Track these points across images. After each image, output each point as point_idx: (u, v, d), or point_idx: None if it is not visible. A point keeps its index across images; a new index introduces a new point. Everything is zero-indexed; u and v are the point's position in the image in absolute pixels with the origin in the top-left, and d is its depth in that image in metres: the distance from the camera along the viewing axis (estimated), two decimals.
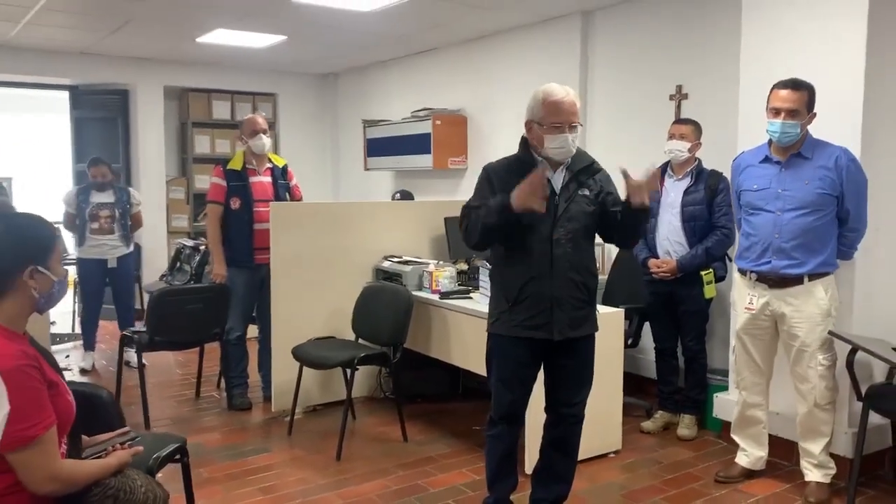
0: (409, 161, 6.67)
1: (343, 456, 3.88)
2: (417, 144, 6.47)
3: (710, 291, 4.06)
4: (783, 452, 3.72)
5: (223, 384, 4.99)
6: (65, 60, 7.01)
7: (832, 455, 3.44)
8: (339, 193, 8.40)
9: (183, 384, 5.29)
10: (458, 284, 4.46)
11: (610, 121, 5.26)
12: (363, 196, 7.69)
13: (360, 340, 4.36)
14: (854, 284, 3.51)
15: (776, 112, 3.26)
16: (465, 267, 4.72)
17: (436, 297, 4.29)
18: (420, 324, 4.28)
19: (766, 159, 3.39)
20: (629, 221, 2.76)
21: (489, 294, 3.95)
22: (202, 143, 7.93)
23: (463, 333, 4.06)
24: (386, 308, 4.21)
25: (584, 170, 2.82)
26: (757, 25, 3.85)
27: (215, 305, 4.45)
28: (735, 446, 3.77)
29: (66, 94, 7.72)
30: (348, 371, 3.99)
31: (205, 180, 7.91)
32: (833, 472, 3.41)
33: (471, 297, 4.21)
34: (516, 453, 3.01)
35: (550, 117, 2.69)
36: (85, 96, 7.76)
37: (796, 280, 3.30)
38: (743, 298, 3.48)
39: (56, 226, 2.06)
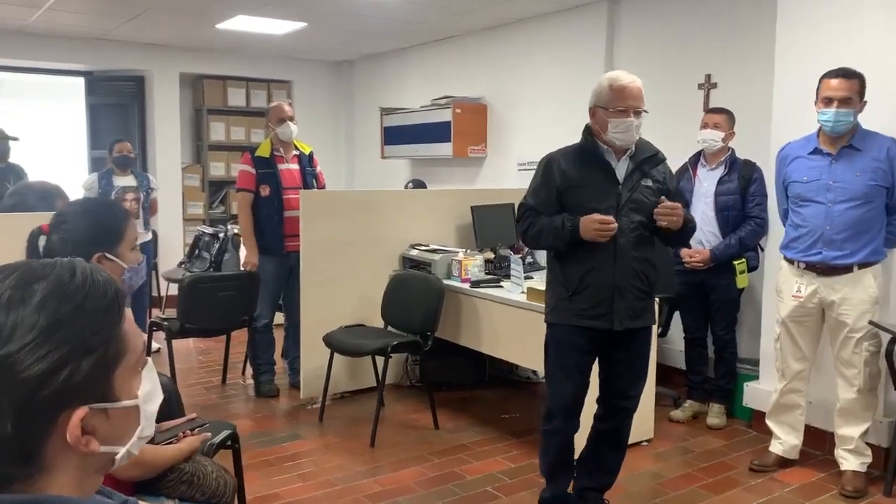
0: (428, 149, 6.66)
1: (377, 443, 3.90)
2: (437, 133, 6.46)
3: (742, 281, 4.07)
4: (815, 442, 3.74)
5: (248, 371, 5.01)
6: (80, 47, 6.97)
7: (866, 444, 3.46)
8: (353, 182, 8.39)
9: (208, 371, 5.29)
10: (486, 273, 4.46)
11: None
12: (379, 184, 7.68)
13: (390, 328, 4.37)
14: (892, 274, 3.53)
15: (828, 101, 3.25)
16: (491, 256, 4.74)
17: (465, 285, 4.29)
18: (449, 312, 4.28)
19: (816, 151, 3.38)
20: (660, 236, 2.85)
21: (527, 283, 4.02)
22: (217, 131, 7.90)
23: (494, 322, 4.07)
24: (416, 296, 4.22)
25: (648, 160, 2.82)
26: (793, 14, 3.84)
27: (246, 293, 4.46)
28: (767, 435, 3.79)
29: (81, 81, 7.68)
30: (380, 359, 4.01)
31: (220, 167, 7.95)
32: (869, 460, 3.44)
33: (501, 286, 4.22)
34: (573, 445, 2.99)
35: (616, 102, 2.72)
36: (100, 83, 7.72)
37: (846, 269, 3.32)
38: (791, 286, 3.49)
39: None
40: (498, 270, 4.57)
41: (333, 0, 5.39)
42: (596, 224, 2.68)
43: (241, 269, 4.65)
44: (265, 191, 4.57)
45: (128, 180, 5.56)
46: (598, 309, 2.75)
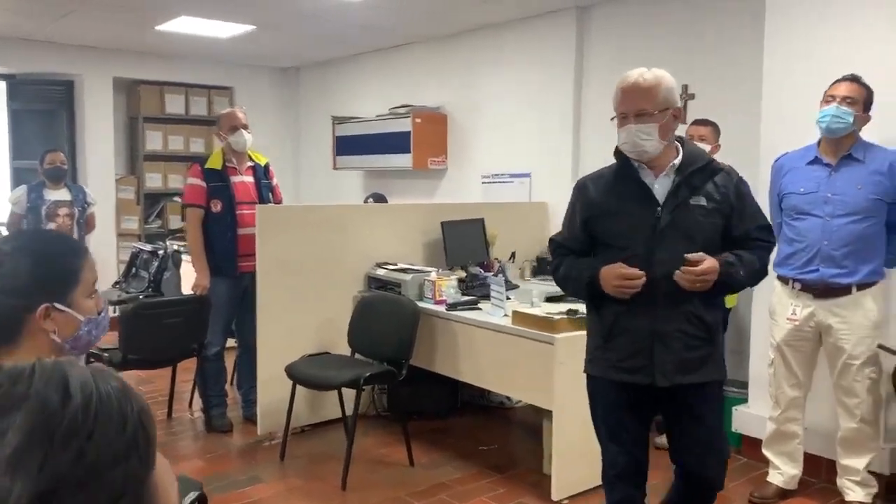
0: (385, 161, 6.32)
1: (348, 485, 3.54)
2: (395, 143, 6.14)
3: (731, 301, 3.88)
4: (811, 469, 3.57)
5: (196, 402, 4.58)
6: (3, 47, 6.38)
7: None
8: (300, 194, 7.96)
9: (151, 403, 4.77)
10: (462, 294, 4.16)
11: (608, 123, 4.99)
12: (331, 198, 7.29)
13: (358, 356, 4.02)
14: (892, 296, 3.38)
15: (830, 99, 3.10)
16: (463, 275, 4.44)
17: (440, 308, 3.98)
18: (422, 337, 3.95)
19: (816, 160, 3.21)
20: None
21: (502, 305, 3.73)
22: (154, 140, 7.38)
23: (475, 348, 3.77)
24: (388, 320, 3.88)
25: (698, 171, 2.29)
26: (782, 24, 3.69)
27: (195, 319, 4.05)
28: (759, 462, 3.61)
29: (2, 85, 7.05)
30: (345, 391, 3.66)
31: (157, 179, 7.44)
32: (875, 490, 3.27)
33: (479, 308, 3.92)
34: None
35: (616, 108, 2.33)
36: (24, 87, 7.09)
37: (844, 290, 3.14)
38: (785, 308, 3.30)
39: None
40: (471, 290, 4.27)
41: (289, 2, 5.03)
42: (616, 279, 2.23)
43: (191, 291, 4.21)
44: (217, 206, 4.16)
45: (61, 194, 5.05)
46: (636, 360, 2.27)
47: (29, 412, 0.47)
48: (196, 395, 4.57)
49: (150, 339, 3.89)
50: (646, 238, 2.28)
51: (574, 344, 3.32)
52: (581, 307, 3.45)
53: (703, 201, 2.28)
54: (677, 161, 2.32)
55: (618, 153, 2.40)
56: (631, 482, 2.43)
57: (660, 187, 2.33)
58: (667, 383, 2.27)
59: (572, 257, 2.46)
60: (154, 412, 2.26)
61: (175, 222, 7.28)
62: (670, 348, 2.26)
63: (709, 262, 2.20)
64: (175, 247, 6.33)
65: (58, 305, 1.34)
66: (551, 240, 2.57)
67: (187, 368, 4.57)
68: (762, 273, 2.38)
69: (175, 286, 5.97)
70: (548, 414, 3.47)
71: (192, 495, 2.19)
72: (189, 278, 5.75)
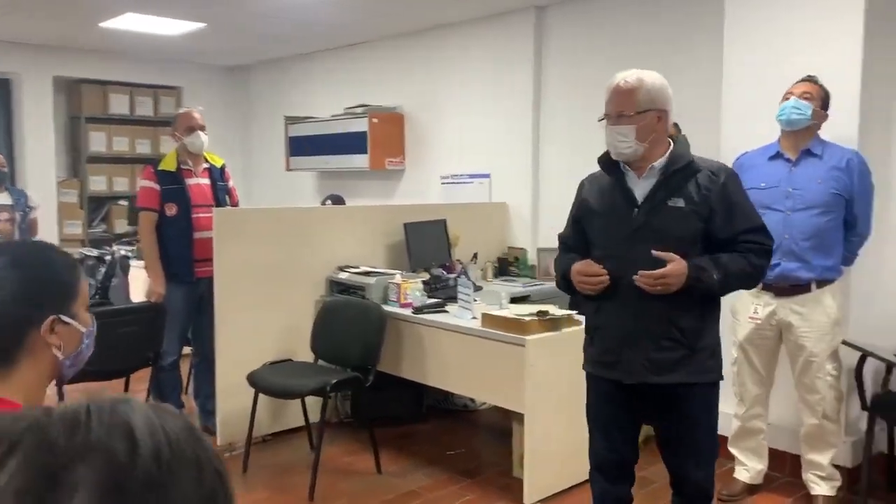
0: (341, 161, 6.21)
1: (315, 496, 3.44)
2: (351, 143, 6.03)
3: None
4: (776, 464, 3.62)
5: None
6: None
7: None
8: (252, 196, 7.77)
9: None
10: (427, 296, 4.10)
11: (567, 123, 5.04)
12: (284, 200, 7.14)
13: (321, 362, 3.92)
14: (850, 294, 3.44)
15: (788, 96, 3.18)
16: (426, 277, 4.38)
17: (406, 311, 3.91)
18: (388, 341, 3.87)
19: (777, 155, 3.26)
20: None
21: (470, 307, 3.69)
22: (97, 141, 7.11)
23: (444, 352, 3.71)
24: (354, 326, 3.79)
25: (678, 172, 2.28)
26: (741, 22, 3.74)
27: (151, 327, 3.89)
28: (726, 459, 3.64)
29: None
30: (309, 398, 3.56)
31: (101, 181, 7.17)
32: (839, 483, 3.33)
33: (446, 311, 3.87)
34: None
35: (604, 109, 2.33)
36: None
37: (804, 288, 3.19)
38: (747, 307, 3.34)
39: None
40: (435, 293, 4.21)
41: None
42: (577, 275, 2.33)
43: (144, 299, 4.05)
44: (171, 209, 4.01)
45: (1, 198, 4.80)
46: (609, 356, 2.33)
47: (94, 467, 0.39)
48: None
49: (103, 350, 3.66)
50: (623, 238, 2.30)
51: (545, 345, 3.31)
52: (551, 308, 3.44)
53: (680, 203, 2.27)
54: (658, 163, 2.32)
55: (607, 153, 2.40)
56: (610, 476, 2.44)
57: (641, 188, 2.34)
58: (633, 381, 2.29)
59: (568, 253, 2.49)
60: None
61: (121, 226, 7.03)
62: (638, 347, 2.28)
63: (673, 266, 2.20)
64: (122, 252, 6.11)
65: (64, 318, 1.25)
66: (558, 235, 2.63)
67: (140, 378, 4.40)
68: (755, 276, 2.34)
69: (124, 293, 5.75)
70: (518, 417, 3.44)
71: None
72: (137, 285, 5.56)
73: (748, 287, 2.48)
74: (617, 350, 2.31)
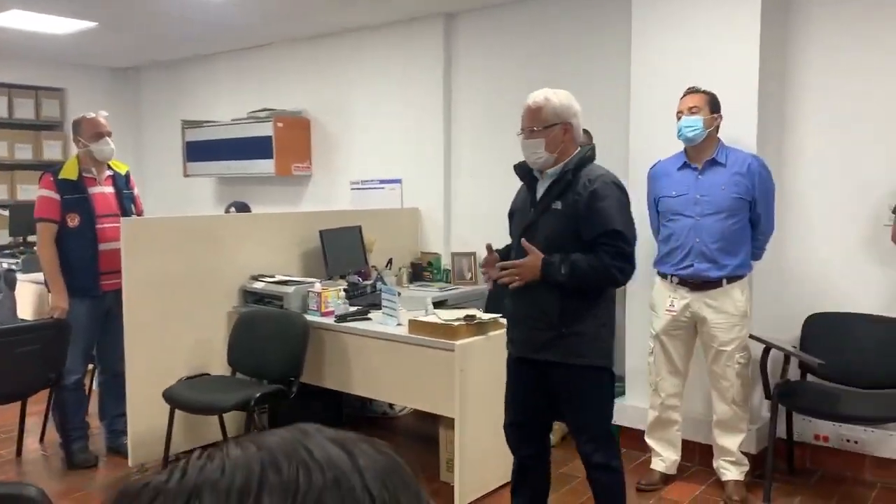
0: (245, 167, 6.05)
1: None
2: (255, 148, 5.88)
3: None
4: (687, 454, 3.81)
5: (48, 437, 4.14)
6: None
7: None
8: (146, 204, 7.39)
9: None
10: (348, 304, 4.06)
11: (477, 129, 5.12)
12: (181, 206, 6.86)
13: (239, 375, 3.81)
14: (755, 288, 3.69)
15: (679, 114, 3.42)
16: (345, 284, 4.33)
17: (328, 320, 3.85)
18: (310, 351, 3.80)
19: (685, 165, 3.48)
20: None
21: (395, 314, 3.68)
22: None
23: (370, 361, 3.68)
24: (274, 337, 3.71)
25: (560, 179, 2.64)
26: (646, 31, 3.92)
27: (53, 346, 3.65)
28: (640, 452, 3.83)
29: None
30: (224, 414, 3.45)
31: None
32: (747, 468, 3.56)
33: (370, 318, 3.84)
34: (525, 475, 2.86)
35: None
36: None
37: (716, 283, 3.40)
38: (664, 301, 3.53)
39: None
40: (355, 300, 4.18)
41: None
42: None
43: (48, 315, 3.80)
44: (74, 220, 3.78)
45: None
46: (509, 334, 2.79)
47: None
48: (49, 428, 4.13)
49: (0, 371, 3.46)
50: (521, 234, 2.67)
51: (474, 350, 3.35)
52: (479, 313, 3.49)
53: (559, 206, 2.62)
54: (552, 170, 2.64)
55: (524, 161, 2.75)
56: (514, 436, 2.82)
57: (539, 190, 2.71)
58: (520, 355, 2.71)
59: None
60: None
61: (3, 237, 6.55)
62: (520, 329, 2.71)
63: (527, 259, 2.57)
64: (5, 265, 5.70)
65: None
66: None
67: (37, 400, 4.12)
68: (608, 274, 2.55)
69: (10, 310, 5.36)
70: (447, 421, 3.47)
71: None
72: (27, 300, 5.21)
73: (607, 285, 2.66)
74: (512, 329, 2.77)
